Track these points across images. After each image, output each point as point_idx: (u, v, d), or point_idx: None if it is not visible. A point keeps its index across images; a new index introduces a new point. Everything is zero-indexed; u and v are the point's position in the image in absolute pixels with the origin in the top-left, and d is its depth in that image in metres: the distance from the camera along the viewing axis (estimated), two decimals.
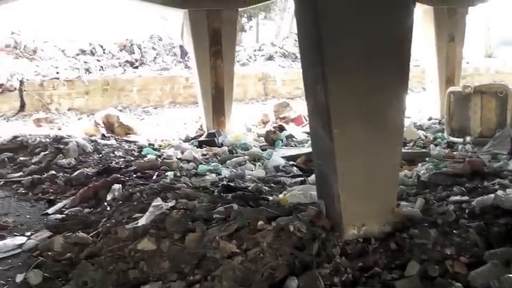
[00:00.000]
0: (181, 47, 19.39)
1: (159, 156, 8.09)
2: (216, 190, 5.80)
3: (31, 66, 16.45)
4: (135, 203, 5.28)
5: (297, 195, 5.09)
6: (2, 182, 7.49)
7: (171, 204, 4.97)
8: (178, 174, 6.80)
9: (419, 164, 7.02)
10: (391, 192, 4.33)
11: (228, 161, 7.78)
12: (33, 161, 8.14)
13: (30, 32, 18.05)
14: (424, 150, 8.21)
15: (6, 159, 8.35)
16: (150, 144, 9.49)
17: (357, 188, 4.11)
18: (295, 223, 4.04)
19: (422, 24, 11.29)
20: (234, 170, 7.21)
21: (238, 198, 5.10)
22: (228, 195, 5.33)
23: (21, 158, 8.32)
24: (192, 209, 4.87)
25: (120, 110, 14.19)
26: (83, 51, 18.21)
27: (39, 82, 15.24)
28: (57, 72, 15.94)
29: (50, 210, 6.18)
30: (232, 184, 6.08)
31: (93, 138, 9.70)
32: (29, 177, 7.39)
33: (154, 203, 4.95)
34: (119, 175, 6.69)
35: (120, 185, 6.18)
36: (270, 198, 5.28)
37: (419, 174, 6.30)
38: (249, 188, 5.80)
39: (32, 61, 16.94)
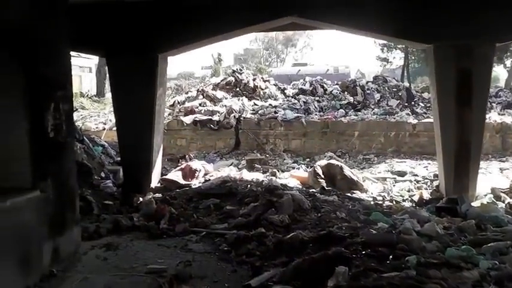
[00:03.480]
0: (407, 90, 17.95)
1: (393, 227, 6.38)
2: None
3: (249, 104, 16.72)
4: None
5: None
6: (203, 233, 6.64)
7: None
8: (422, 259, 5.00)
9: None
10: None
11: (484, 246, 5.76)
12: (241, 212, 7.31)
13: (249, 71, 18.56)
14: None
15: (212, 206, 7.78)
16: (377, 205, 8.14)
17: None
18: None
19: None
20: (496, 262, 5.23)
21: None
22: None
23: (228, 207, 7.60)
24: None
25: (339, 156, 13.61)
26: (303, 91, 18.09)
27: (256, 121, 15.26)
28: (275, 112, 15.79)
29: (253, 282, 5.02)
30: None
31: (311, 191, 8.73)
32: (235, 231, 6.47)
33: None
34: (342, 248, 5.27)
35: (346, 267, 4.72)
36: None
37: None
38: None
39: (251, 99, 17.26)
